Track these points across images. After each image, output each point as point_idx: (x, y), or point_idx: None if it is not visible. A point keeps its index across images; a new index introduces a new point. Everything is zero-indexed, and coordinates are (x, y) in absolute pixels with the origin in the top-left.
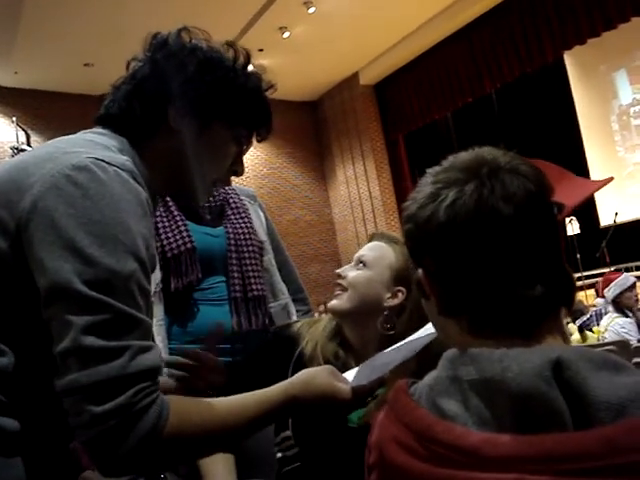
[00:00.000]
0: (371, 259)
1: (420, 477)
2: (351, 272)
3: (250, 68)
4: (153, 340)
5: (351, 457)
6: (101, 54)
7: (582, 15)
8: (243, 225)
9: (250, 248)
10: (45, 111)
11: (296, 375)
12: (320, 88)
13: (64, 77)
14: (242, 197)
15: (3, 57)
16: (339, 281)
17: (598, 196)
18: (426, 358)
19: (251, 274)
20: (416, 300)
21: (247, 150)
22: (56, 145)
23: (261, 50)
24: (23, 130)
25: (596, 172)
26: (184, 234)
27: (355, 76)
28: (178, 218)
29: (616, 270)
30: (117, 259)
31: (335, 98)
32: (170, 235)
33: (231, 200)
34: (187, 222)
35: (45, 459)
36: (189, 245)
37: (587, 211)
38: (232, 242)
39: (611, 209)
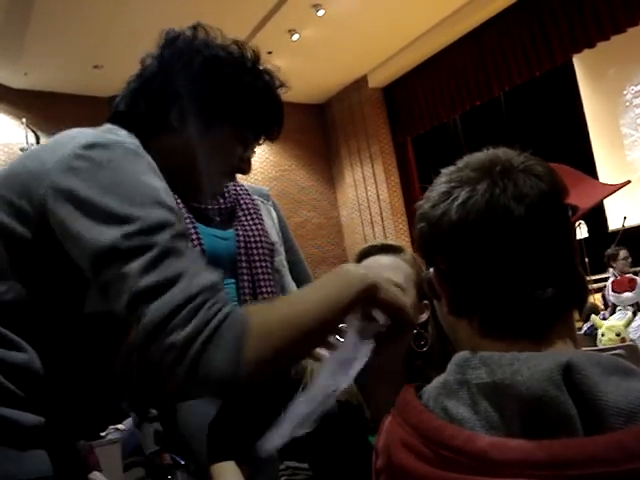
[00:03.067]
0: (403, 282)
1: None
2: None
3: (261, 66)
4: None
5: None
6: (111, 56)
7: (591, 19)
8: (254, 227)
9: (260, 250)
10: (54, 113)
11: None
12: (329, 91)
13: (74, 79)
14: (254, 197)
15: (13, 59)
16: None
17: (607, 200)
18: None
19: (261, 276)
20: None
21: (254, 148)
22: (66, 134)
23: (270, 53)
24: (33, 131)
25: (604, 176)
26: (193, 237)
27: (364, 79)
28: (188, 220)
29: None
30: (148, 210)
31: (344, 101)
32: None
33: (242, 201)
34: (197, 224)
35: (56, 456)
36: (197, 248)
37: (596, 215)
38: (242, 244)
39: (620, 213)
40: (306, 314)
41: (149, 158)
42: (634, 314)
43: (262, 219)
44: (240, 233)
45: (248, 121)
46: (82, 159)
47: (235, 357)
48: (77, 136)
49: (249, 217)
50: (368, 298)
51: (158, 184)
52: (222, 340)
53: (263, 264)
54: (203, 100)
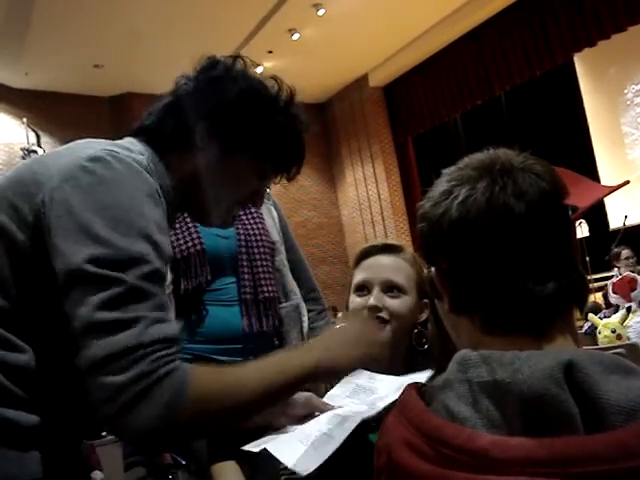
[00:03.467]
0: (405, 283)
1: (429, 479)
2: (390, 302)
3: (294, 107)
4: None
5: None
6: (111, 56)
7: (592, 17)
8: (254, 226)
9: (261, 249)
10: (55, 112)
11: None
12: (329, 90)
13: (74, 78)
14: None
15: (14, 59)
16: (380, 315)
17: (608, 199)
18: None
19: (262, 275)
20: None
21: (270, 184)
22: (77, 143)
23: (270, 52)
24: (34, 131)
25: (605, 175)
26: (194, 235)
27: (364, 78)
28: (188, 219)
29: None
30: (130, 241)
31: (344, 100)
32: (180, 237)
33: None
34: (197, 223)
35: (57, 456)
36: (199, 247)
37: (597, 214)
38: (243, 243)
39: (621, 212)
40: (249, 391)
41: (153, 181)
42: (628, 310)
43: (263, 218)
44: (241, 232)
45: (270, 157)
46: (85, 171)
47: (163, 415)
48: (88, 147)
49: (250, 216)
50: (323, 376)
51: (153, 213)
52: (157, 395)
53: (264, 263)
54: (230, 127)
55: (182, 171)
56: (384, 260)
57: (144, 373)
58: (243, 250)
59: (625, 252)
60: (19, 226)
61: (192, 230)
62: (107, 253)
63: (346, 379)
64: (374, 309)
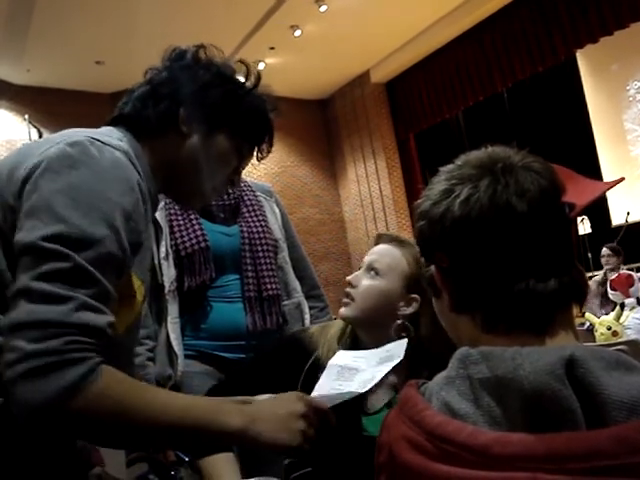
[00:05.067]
0: (384, 267)
1: (430, 476)
2: (363, 281)
3: (258, 89)
4: (112, 312)
5: (365, 465)
6: (112, 52)
7: (594, 14)
8: (257, 223)
9: (265, 247)
10: (57, 109)
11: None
12: (331, 86)
13: (76, 75)
14: (258, 193)
15: (15, 55)
16: (349, 290)
17: (610, 196)
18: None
19: (265, 273)
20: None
21: (246, 165)
22: (68, 130)
23: (272, 48)
24: (35, 128)
25: (608, 171)
26: (198, 233)
27: (366, 74)
28: (192, 217)
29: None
30: (89, 222)
31: (346, 96)
32: (185, 234)
33: (246, 197)
34: (202, 220)
35: (54, 455)
36: (203, 244)
37: (599, 211)
38: (246, 241)
39: (623, 209)
40: (149, 418)
41: (130, 167)
42: (622, 307)
43: (265, 216)
44: (244, 230)
45: (246, 135)
46: (62, 154)
47: (57, 398)
48: (71, 134)
49: (253, 214)
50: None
51: (121, 199)
52: (59, 375)
53: (267, 260)
54: (209, 109)
55: (164, 155)
56: (380, 247)
57: (55, 350)
58: (246, 248)
59: (603, 250)
60: (10, 220)
61: (196, 227)
62: (62, 230)
63: (329, 365)
64: (348, 284)
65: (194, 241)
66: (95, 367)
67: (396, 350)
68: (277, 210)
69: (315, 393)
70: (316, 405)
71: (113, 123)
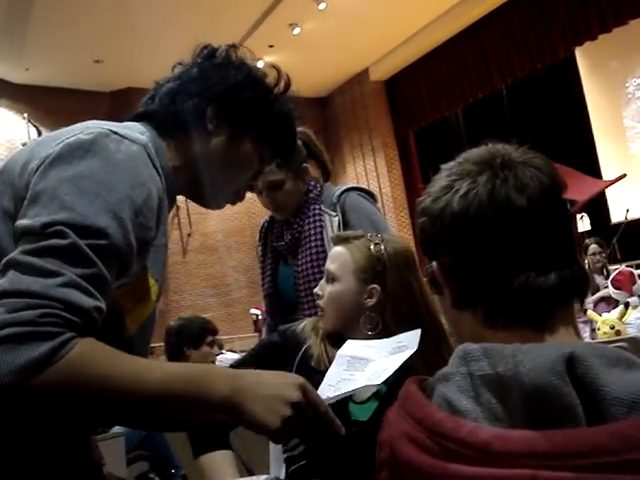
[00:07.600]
0: (338, 270)
1: (431, 473)
2: (327, 289)
3: (290, 95)
4: (106, 306)
5: (356, 451)
6: (111, 51)
7: (593, 11)
8: (315, 256)
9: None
10: (56, 107)
11: None
12: (330, 84)
13: (74, 74)
14: (324, 209)
15: (14, 54)
16: (318, 301)
17: (609, 193)
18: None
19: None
20: (394, 291)
21: (264, 169)
22: (84, 122)
23: (271, 46)
24: (34, 126)
25: (608, 168)
26: (267, 279)
27: (365, 72)
28: (270, 261)
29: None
30: (94, 211)
31: (345, 94)
32: (263, 278)
33: (307, 227)
34: (279, 263)
35: (65, 454)
36: (268, 291)
37: (598, 208)
38: (300, 282)
39: (622, 206)
40: (132, 385)
41: (147, 160)
42: (626, 306)
43: (324, 242)
44: (299, 270)
45: (270, 140)
46: (76, 144)
47: (24, 372)
48: (90, 125)
49: (308, 252)
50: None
51: (131, 192)
52: (31, 348)
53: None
54: (237, 110)
55: (187, 153)
56: (335, 250)
57: (28, 321)
58: (301, 288)
59: (593, 247)
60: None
61: (268, 273)
62: (66, 218)
63: (338, 354)
64: (317, 296)
65: (266, 286)
66: (67, 341)
67: (409, 341)
68: (335, 224)
69: (324, 383)
70: (314, 401)
71: (137, 119)
